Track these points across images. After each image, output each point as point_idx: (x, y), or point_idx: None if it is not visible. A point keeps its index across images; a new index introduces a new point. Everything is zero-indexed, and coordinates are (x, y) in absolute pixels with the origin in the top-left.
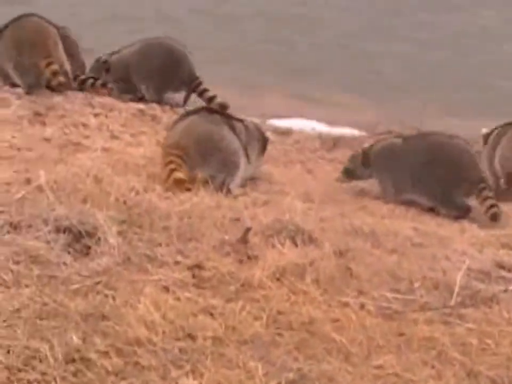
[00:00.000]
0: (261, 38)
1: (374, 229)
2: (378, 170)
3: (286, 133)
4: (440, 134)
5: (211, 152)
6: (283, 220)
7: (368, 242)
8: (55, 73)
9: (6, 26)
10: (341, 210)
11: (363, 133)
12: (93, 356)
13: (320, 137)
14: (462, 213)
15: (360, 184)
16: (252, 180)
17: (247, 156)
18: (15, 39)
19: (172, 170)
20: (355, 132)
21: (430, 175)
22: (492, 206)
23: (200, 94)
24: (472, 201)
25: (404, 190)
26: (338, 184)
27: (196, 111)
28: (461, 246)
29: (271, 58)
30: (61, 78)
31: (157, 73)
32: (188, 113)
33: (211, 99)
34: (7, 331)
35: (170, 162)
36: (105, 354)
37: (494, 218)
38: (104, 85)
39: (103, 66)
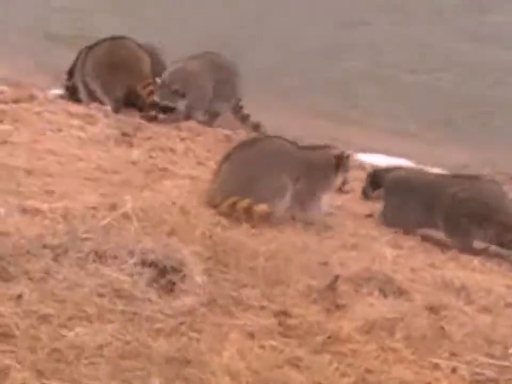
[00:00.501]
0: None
1: (466, 284)
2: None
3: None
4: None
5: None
6: (372, 269)
7: (460, 299)
8: (150, 93)
9: (93, 46)
10: (431, 260)
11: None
12: None
13: None
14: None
15: None
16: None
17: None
18: (107, 60)
19: (248, 208)
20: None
21: (453, 214)
22: None
23: (236, 112)
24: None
25: (420, 223)
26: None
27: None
28: None
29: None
30: (155, 98)
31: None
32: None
33: (245, 118)
34: (89, 370)
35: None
36: None
37: None
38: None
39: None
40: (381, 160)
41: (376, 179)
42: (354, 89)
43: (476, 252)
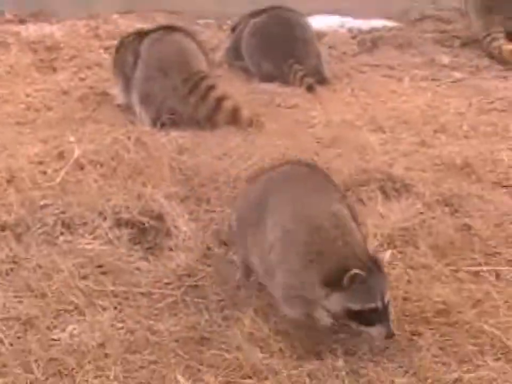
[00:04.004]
0: None
1: (467, 159)
2: None
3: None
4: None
5: None
6: (367, 168)
7: (469, 179)
8: None
9: None
10: (419, 137)
11: (397, 24)
12: None
13: (353, 34)
14: None
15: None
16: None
17: None
18: None
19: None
20: (387, 24)
21: None
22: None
23: None
24: None
25: None
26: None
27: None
28: None
29: None
30: None
31: None
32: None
33: None
34: (97, 377)
35: None
36: None
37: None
38: None
39: None
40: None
41: None
42: None
43: None
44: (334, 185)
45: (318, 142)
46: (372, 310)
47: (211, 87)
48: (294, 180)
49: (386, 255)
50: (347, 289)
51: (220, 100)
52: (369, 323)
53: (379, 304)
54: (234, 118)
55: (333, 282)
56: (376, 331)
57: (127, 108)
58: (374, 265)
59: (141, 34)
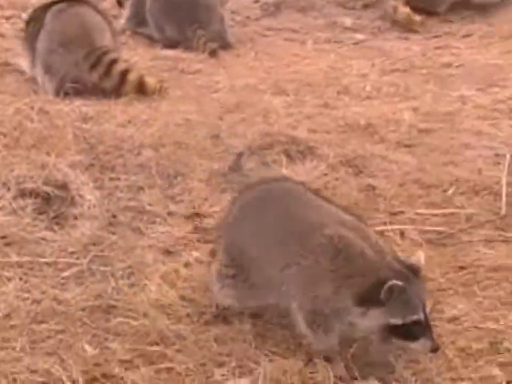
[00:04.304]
0: None
1: (370, 119)
2: None
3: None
4: None
5: None
6: (271, 131)
7: (372, 140)
8: None
9: None
10: (322, 100)
11: None
12: (117, 369)
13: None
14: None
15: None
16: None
17: None
18: None
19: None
20: None
21: None
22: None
23: None
24: None
25: None
26: (301, 60)
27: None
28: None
29: None
30: None
31: None
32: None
33: None
34: (3, 348)
35: None
36: (129, 363)
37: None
38: None
39: None
40: None
41: None
42: None
43: None
44: (325, 198)
45: (222, 107)
46: (414, 323)
47: (114, 61)
48: (284, 204)
49: (420, 258)
50: (386, 303)
51: (124, 73)
52: (413, 338)
53: (421, 315)
54: (140, 89)
55: (370, 299)
56: (420, 346)
57: (31, 78)
58: (410, 273)
59: (46, 6)
